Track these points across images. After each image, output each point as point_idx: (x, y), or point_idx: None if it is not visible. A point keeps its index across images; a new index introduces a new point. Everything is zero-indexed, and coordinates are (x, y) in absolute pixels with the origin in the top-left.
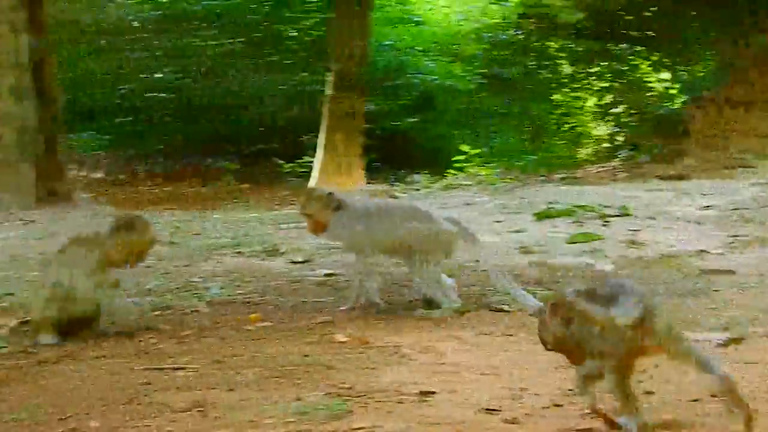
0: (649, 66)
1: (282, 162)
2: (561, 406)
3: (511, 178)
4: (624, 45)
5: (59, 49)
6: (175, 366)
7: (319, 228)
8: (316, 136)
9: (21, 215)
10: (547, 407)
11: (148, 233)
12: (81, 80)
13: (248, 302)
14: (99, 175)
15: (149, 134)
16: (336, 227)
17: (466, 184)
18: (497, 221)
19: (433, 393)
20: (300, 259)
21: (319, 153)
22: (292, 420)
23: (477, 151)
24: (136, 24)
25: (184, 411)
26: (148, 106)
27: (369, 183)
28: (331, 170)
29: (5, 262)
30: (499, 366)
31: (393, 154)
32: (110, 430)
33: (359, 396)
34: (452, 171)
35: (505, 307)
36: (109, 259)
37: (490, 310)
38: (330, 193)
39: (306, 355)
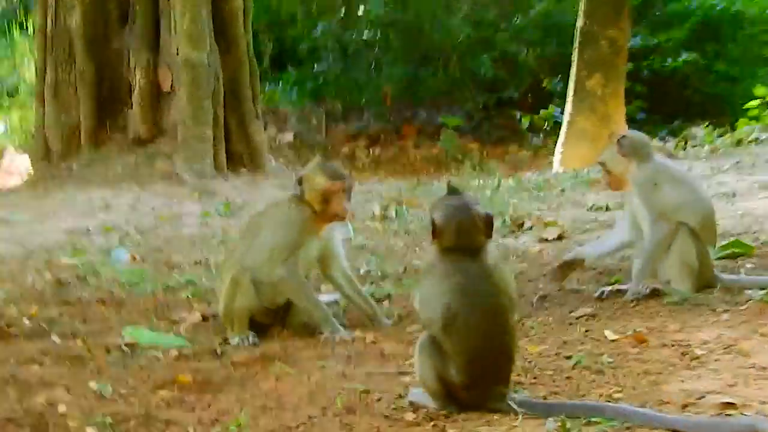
0: None
1: (520, 114)
2: None
3: None
4: None
5: None
6: (399, 370)
7: (617, 183)
8: (565, 82)
9: (199, 186)
10: None
11: (338, 174)
12: (269, 22)
13: None
14: (290, 137)
15: (351, 85)
16: (640, 183)
17: (764, 138)
18: None
19: (740, 405)
20: (551, 236)
21: (569, 101)
22: None
23: None
24: None
25: (415, 425)
26: (349, 50)
27: None
28: (584, 122)
29: (181, 244)
30: None
31: (664, 101)
32: None
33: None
34: (745, 121)
35: None
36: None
37: None
38: (623, 137)
39: (568, 357)
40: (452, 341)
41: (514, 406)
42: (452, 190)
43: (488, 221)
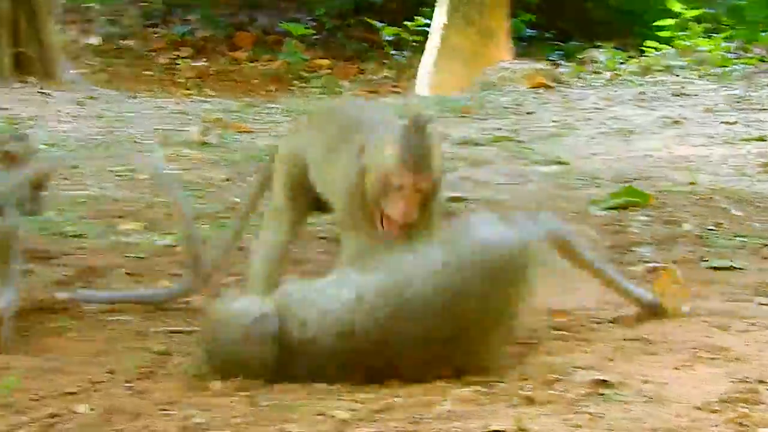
0: None
1: (382, 25)
2: None
3: (751, 57)
4: None
5: None
6: None
7: None
8: None
9: None
10: None
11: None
12: None
13: None
14: (95, 40)
15: None
16: None
17: (676, 65)
18: (728, 122)
19: None
20: None
21: (440, 10)
22: None
23: (696, 12)
24: None
25: (223, 395)
26: None
27: (518, 59)
28: (458, 38)
29: None
30: None
31: (560, 15)
32: None
33: None
34: (653, 44)
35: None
36: None
37: None
38: None
39: None
40: None
41: None
42: None
43: None
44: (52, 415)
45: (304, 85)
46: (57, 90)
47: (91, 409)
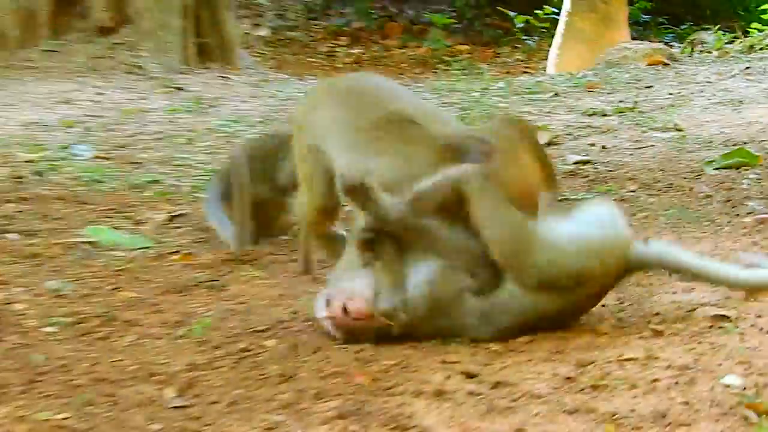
0: None
1: (514, 14)
2: None
3: None
4: None
5: None
6: None
7: None
8: None
9: (166, 80)
10: None
11: None
12: None
13: None
14: (264, 32)
15: None
16: None
17: None
18: None
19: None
20: (541, 141)
21: (566, 0)
22: None
23: None
24: None
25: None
26: None
27: (636, 40)
28: (583, 23)
29: (146, 141)
30: None
31: (671, 2)
32: None
33: None
34: (757, 26)
35: None
36: None
37: None
38: None
39: None
40: None
41: None
42: None
43: None
44: (244, 350)
45: (446, 68)
46: (235, 74)
47: (278, 344)
